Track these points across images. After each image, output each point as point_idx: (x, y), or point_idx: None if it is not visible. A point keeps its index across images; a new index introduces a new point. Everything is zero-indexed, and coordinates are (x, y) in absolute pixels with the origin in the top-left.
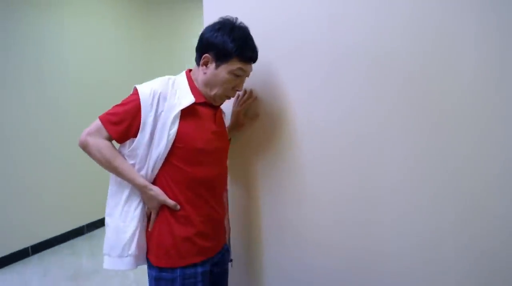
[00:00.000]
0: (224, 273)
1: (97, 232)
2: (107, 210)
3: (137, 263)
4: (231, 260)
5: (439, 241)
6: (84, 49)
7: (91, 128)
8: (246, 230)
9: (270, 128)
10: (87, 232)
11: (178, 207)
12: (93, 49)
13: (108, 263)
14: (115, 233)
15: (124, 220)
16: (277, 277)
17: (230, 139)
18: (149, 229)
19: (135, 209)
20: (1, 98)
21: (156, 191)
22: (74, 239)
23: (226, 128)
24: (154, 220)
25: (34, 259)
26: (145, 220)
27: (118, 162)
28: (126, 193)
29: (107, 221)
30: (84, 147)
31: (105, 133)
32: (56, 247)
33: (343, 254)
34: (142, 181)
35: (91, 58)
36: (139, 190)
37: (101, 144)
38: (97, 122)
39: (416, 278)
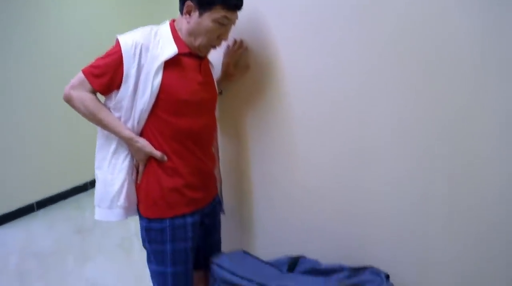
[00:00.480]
0: (216, 224)
1: None
2: (96, 163)
3: (127, 214)
4: (223, 211)
5: (431, 196)
6: (85, 8)
7: (74, 81)
8: (237, 182)
9: (260, 80)
10: (90, 188)
11: (165, 158)
12: (94, 8)
13: (98, 214)
14: (103, 185)
15: (112, 172)
16: (269, 228)
17: (221, 91)
18: (138, 181)
19: (123, 161)
20: (6, 59)
21: (143, 142)
22: (78, 195)
23: (215, 80)
24: (142, 172)
25: (40, 214)
26: (134, 172)
27: (103, 114)
28: (113, 145)
29: (96, 173)
30: (68, 100)
31: (88, 86)
32: (61, 202)
33: (334, 206)
34: (128, 133)
35: (91, 17)
36: (126, 142)
37: (84, 96)
38: (80, 75)
39: (409, 233)
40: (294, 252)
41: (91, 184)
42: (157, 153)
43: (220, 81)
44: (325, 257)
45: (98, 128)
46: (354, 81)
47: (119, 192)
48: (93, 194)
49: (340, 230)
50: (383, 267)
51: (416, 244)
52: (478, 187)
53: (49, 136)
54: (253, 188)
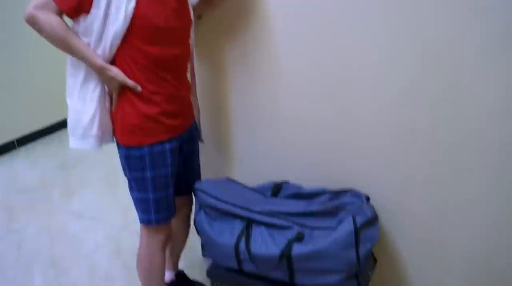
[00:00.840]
0: (195, 150)
1: None
2: (67, 91)
3: (101, 143)
4: (201, 140)
5: (413, 122)
6: None
7: (38, 1)
8: (216, 111)
9: (242, 4)
10: None
11: (139, 88)
12: None
13: (72, 143)
14: (75, 114)
15: (83, 101)
16: (251, 157)
17: (200, 16)
18: (112, 110)
19: (93, 90)
20: None
21: (116, 71)
22: (60, 131)
23: (192, 4)
24: (116, 100)
25: (21, 151)
26: (107, 100)
27: (73, 40)
28: (82, 74)
29: (67, 102)
30: (33, 23)
31: (54, 7)
32: (42, 139)
33: (316, 132)
34: (99, 62)
35: None
36: (97, 71)
37: (52, 19)
38: None
39: (390, 158)
40: (278, 178)
41: None
42: (131, 82)
43: (199, 5)
44: (308, 182)
45: (68, 56)
46: (340, 4)
47: (91, 121)
48: None
49: (323, 156)
50: (364, 190)
51: (396, 168)
52: (460, 115)
53: (27, 71)
54: (234, 116)
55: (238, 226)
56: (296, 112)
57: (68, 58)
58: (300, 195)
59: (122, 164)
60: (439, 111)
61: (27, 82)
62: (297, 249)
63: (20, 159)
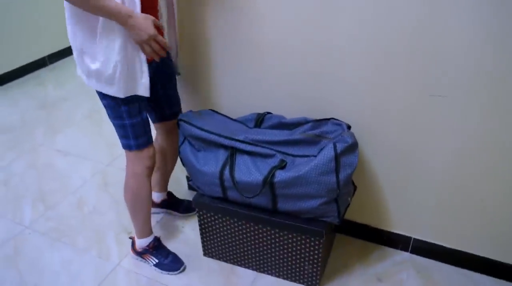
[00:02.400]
0: (172, 76)
1: (60, 63)
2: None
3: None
4: (178, 73)
5: (393, 51)
6: None
7: None
8: (197, 42)
9: None
10: (49, 64)
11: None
12: None
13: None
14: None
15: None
16: (232, 88)
17: None
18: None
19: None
20: None
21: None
22: (38, 71)
23: None
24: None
25: (0, 91)
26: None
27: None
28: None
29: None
30: None
31: None
32: (20, 79)
33: (297, 62)
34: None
35: None
36: (124, 23)
37: None
38: None
39: (370, 86)
40: (260, 110)
41: (49, 59)
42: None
43: None
44: (291, 113)
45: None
46: None
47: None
48: (53, 69)
49: (304, 86)
50: (345, 119)
51: (375, 97)
52: (437, 42)
53: (3, 8)
54: (215, 47)
55: (222, 155)
56: (277, 42)
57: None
58: (282, 124)
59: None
60: (416, 39)
61: (2, 20)
62: (280, 175)
63: None
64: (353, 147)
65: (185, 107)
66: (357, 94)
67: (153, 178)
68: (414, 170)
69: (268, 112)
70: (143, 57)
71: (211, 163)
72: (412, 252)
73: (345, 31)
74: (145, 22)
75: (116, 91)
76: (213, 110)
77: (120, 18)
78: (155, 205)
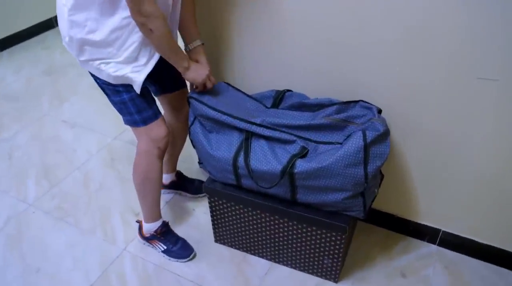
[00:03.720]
0: None
1: None
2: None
3: None
4: None
5: (429, 27)
6: None
7: None
8: (216, 16)
9: None
10: (57, 25)
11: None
12: None
13: None
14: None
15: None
16: (251, 62)
17: None
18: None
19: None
20: None
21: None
22: (45, 33)
23: None
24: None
25: (4, 56)
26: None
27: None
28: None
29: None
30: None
31: None
32: (26, 42)
33: (322, 36)
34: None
35: None
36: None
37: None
38: None
39: (403, 62)
40: (280, 87)
41: (57, 20)
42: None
43: None
44: (314, 92)
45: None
46: None
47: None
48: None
49: (330, 63)
50: (376, 101)
51: (408, 79)
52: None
53: None
54: (233, 18)
55: (236, 138)
56: (302, 10)
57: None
58: (304, 105)
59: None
60: (454, 18)
61: None
62: (300, 165)
63: (3, 63)
64: (384, 135)
65: None
66: (391, 73)
67: None
68: (450, 160)
69: (289, 90)
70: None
71: (223, 147)
72: (439, 245)
73: (377, 5)
74: (201, 66)
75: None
76: (228, 84)
77: (183, 63)
78: (164, 186)
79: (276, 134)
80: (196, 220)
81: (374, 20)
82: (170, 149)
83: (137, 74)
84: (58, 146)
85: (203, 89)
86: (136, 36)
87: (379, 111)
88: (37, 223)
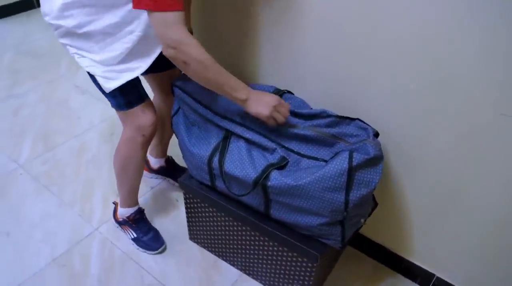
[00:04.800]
0: None
1: None
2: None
3: None
4: None
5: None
6: None
7: (169, 23)
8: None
9: None
10: None
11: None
12: None
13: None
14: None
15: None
16: (244, 47)
17: None
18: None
19: None
20: None
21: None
22: None
23: None
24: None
25: (38, 12)
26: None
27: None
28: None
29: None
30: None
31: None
32: None
33: (330, 41)
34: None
35: None
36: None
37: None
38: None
39: (419, 84)
40: (282, 85)
41: None
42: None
43: None
44: (314, 99)
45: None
46: None
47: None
48: None
49: (334, 70)
50: (377, 124)
51: (424, 102)
52: None
53: None
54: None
55: (216, 136)
56: (313, 7)
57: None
58: (297, 114)
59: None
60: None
61: None
62: (275, 178)
63: (35, 19)
64: (375, 160)
65: None
66: (403, 91)
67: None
68: (456, 200)
69: (289, 92)
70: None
71: (202, 144)
72: None
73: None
74: (264, 94)
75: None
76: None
77: (238, 93)
78: (152, 170)
79: (257, 138)
80: (176, 213)
81: (393, 34)
82: (159, 134)
83: (105, 81)
84: (64, 111)
85: (275, 125)
86: (124, 46)
87: (376, 134)
88: (21, 186)
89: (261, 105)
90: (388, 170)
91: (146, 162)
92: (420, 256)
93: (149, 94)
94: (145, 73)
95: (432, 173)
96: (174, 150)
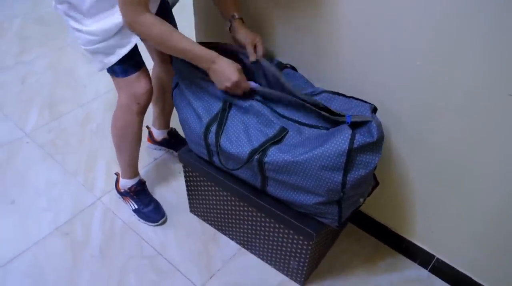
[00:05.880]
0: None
1: None
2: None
3: None
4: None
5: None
6: None
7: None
8: None
9: None
10: None
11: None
12: None
13: None
14: None
15: None
16: (250, 14)
17: None
18: None
19: None
20: None
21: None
22: None
23: None
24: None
25: None
26: None
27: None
28: None
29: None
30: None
31: None
32: None
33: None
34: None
35: None
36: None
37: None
38: None
39: (429, 64)
40: (284, 59)
41: None
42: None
43: None
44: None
45: None
46: None
47: None
48: None
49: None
50: (386, 100)
51: (431, 80)
52: None
53: None
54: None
55: (214, 108)
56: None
57: None
58: (291, 92)
59: None
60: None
61: None
62: (273, 154)
63: None
64: (377, 144)
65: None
66: (410, 68)
67: (152, 112)
68: (461, 182)
69: (293, 67)
70: None
71: (198, 117)
72: (431, 271)
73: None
74: (229, 68)
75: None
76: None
77: (202, 62)
78: (155, 142)
79: (257, 107)
80: (178, 185)
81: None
82: (160, 104)
83: (104, 56)
84: (70, 79)
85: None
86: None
87: (374, 109)
88: (27, 154)
89: (220, 77)
90: (390, 148)
91: (149, 133)
92: (421, 237)
93: (149, 64)
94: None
95: (436, 152)
96: (177, 121)
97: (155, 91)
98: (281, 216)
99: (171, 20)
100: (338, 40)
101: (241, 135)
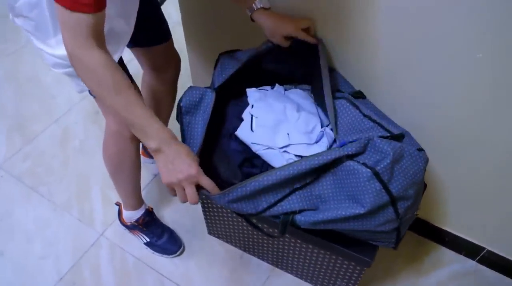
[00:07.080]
0: None
1: None
2: None
3: None
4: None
5: None
6: None
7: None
8: None
9: None
10: None
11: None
12: None
13: None
14: None
15: None
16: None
17: None
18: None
19: None
20: None
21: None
22: None
23: None
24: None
25: None
26: None
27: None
28: None
29: None
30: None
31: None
32: None
33: None
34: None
35: None
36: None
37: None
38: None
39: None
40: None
41: None
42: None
43: None
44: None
45: None
46: None
47: None
48: None
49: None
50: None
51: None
52: None
53: None
54: None
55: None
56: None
57: None
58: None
59: None
60: None
61: None
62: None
63: None
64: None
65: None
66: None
67: None
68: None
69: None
70: None
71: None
72: (479, 262)
73: None
74: (188, 156)
75: None
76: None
77: (152, 139)
78: (151, 155)
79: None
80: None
81: None
82: (156, 114)
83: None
84: (36, 89)
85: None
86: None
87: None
88: (4, 191)
89: (173, 165)
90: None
91: (143, 146)
92: (468, 230)
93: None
94: (129, 45)
95: (479, 144)
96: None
97: (147, 102)
98: (328, 244)
99: (160, 17)
100: None
101: None
